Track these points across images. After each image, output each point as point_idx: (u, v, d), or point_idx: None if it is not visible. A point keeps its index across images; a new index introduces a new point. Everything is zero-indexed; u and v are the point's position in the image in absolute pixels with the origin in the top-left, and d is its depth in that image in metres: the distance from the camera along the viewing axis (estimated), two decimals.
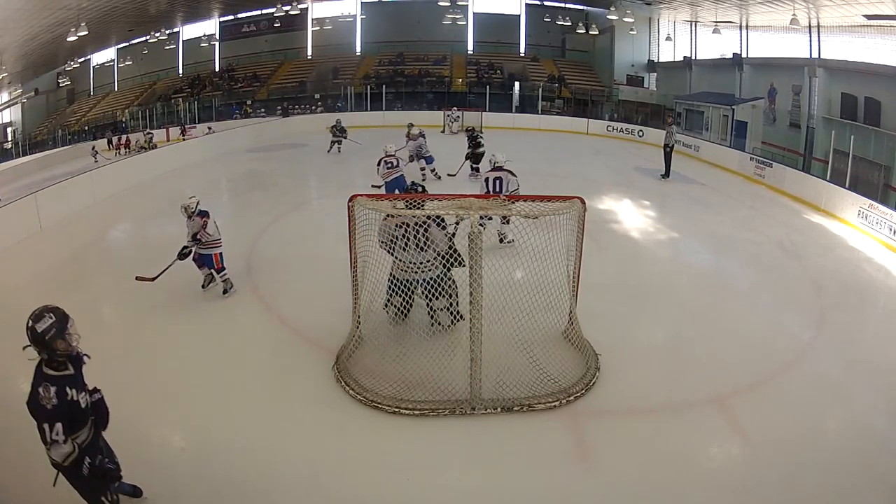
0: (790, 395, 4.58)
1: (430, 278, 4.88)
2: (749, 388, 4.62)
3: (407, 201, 4.51)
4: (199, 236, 6.11)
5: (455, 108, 18.98)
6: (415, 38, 23.99)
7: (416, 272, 4.84)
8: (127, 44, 22.35)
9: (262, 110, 22.32)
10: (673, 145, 12.43)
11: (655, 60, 21.63)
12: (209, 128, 20.11)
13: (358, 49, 24.78)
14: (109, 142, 19.10)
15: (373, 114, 20.79)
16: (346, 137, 14.52)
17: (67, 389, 2.99)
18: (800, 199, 10.73)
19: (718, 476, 3.79)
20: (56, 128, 21.01)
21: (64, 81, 21.20)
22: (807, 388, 4.67)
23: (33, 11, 14.92)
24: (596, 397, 4.43)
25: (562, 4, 23.25)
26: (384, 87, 21.68)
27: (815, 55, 14.36)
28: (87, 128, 21.55)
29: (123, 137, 19.17)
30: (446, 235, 4.90)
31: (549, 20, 23.33)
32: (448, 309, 5.08)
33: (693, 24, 19.50)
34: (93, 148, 17.60)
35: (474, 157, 11.33)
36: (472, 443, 3.97)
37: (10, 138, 19.94)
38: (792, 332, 5.67)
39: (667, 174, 12.30)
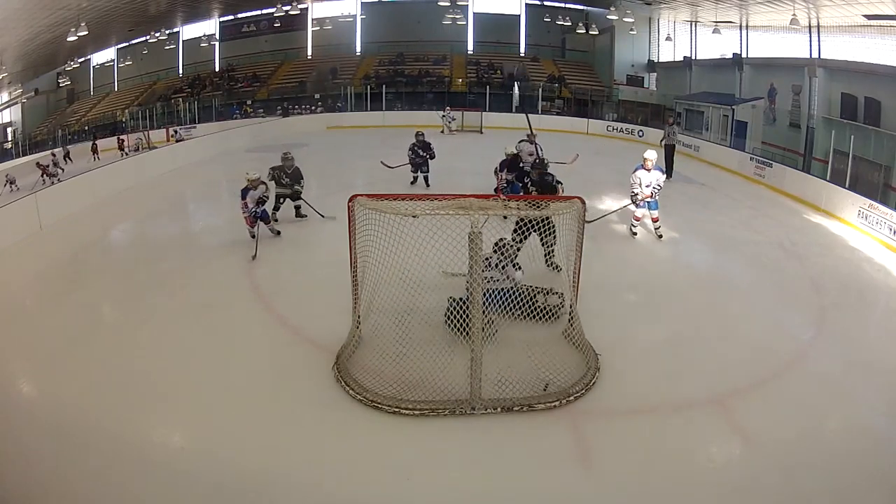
0: (790, 395, 4.58)
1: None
2: (749, 388, 4.62)
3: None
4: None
5: (449, 108, 18.87)
6: (415, 38, 23.97)
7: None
8: (127, 44, 22.31)
9: (262, 110, 22.31)
10: (674, 145, 12.39)
11: (655, 60, 21.63)
12: (175, 131, 19.13)
13: (358, 49, 24.76)
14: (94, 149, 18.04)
15: (373, 114, 20.79)
16: (297, 193, 8.53)
17: None
18: (800, 199, 10.72)
19: (718, 476, 3.79)
20: (56, 128, 20.99)
21: (64, 81, 21.19)
22: (807, 388, 4.67)
23: (33, 11, 14.90)
24: (596, 397, 4.43)
25: (562, 4, 23.22)
26: (384, 87, 21.67)
27: (815, 55, 14.36)
28: (87, 128, 21.53)
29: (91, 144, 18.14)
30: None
31: (549, 20, 23.31)
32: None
33: (693, 24, 19.50)
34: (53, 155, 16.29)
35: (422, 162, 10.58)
36: (472, 443, 3.97)
37: (10, 138, 19.92)
38: (792, 332, 5.68)
39: (668, 174, 12.27)
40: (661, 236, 8.05)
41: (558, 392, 4.37)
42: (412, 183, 10.64)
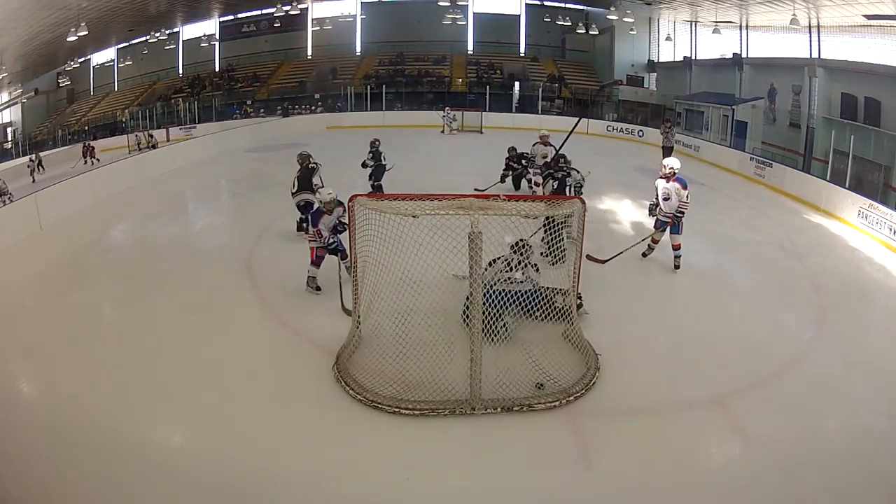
0: (790, 395, 4.58)
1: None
2: (749, 388, 4.62)
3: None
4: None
5: (449, 108, 18.87)
6: (415, 38, 23.96)
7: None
8: (127, 44, 22.29)
9: (262, 110, 22.32)
10: (671, 147, 12.22)
11: (655, 60, 21.63)
12: (149, 135, 17.67)
13: (358, 49, 24.76)
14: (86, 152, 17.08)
15: (373, 114, 20.80)
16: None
17: None
18: (800, 199, 10.73)
19: (718, 476, 3.79)
20: (56, 128, 20.98)
21: (64, 81, 21.16)
22: (807, 388, 4.67)
23: (33, 11, 14.90)
24: (596, 397, 4.44)
25: (562, 4, 23.22)
26: (384, 87, 21.67)
27: (815, 55, 14.36)
28: (87, 128, 21.54)
29: (86, 145, 17.26)
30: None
31: (549, 20, 23.30)
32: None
33: (693, 24, 19.49)
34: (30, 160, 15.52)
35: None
36: (472, 443, 3.97)
37: (10, 138, 19.91)
38: (792, 332, 5.68)
39: None
40: (678, 267, 6.95)
41: (558, 392, 4.37)
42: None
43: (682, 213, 6.78)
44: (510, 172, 10.54)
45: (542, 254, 5.45)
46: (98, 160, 16.57)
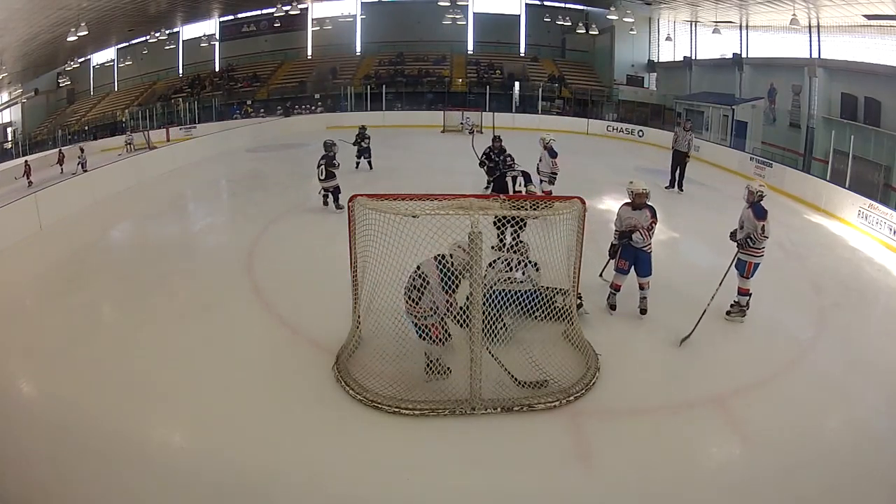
0: (790, 395, 4.58)
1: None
2: (749, 388, 4.63)
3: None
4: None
5: (466, 112, 18.98)
6: (415, 38, 23.97)
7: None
8: (127, 44, 22.31)
9: (262, 110, 22.32)
10: (685, 153, 11.15)
11: (655, 60, 21.62)
12: (80, 150, 16.20)
13: (358, 49, 24.77)
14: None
15: (373, 114, 20.79)
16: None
17: None
18: (800, 199, 10.72)
19: (718, 476, 3.79)
20: (56, 128, 20.99)
21: (64, 81, 21.17)
22: (807, 388, 4.68)
23: (33, 11, 14.90)
24: (596, 397, 4.44)
25: (562, 4, 23.22)
26: (384, 87, 21.67)
27: (815, 55, 14.37)
28: (86, 128, 21.55)
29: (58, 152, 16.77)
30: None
31: (549, 20, 23.31)
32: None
33: (693, 24, 19.50)
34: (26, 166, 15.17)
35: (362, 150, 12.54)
36: (472, 443, 3.97)
37: (10, 138, 19.91)
38: (792, 332, 5.67)
39: (671, 185, 11.29)
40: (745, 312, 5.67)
41: (558, 392, 4.37)
42: (357, 167, 12.34)
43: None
44: (486, 163, 10.22)
45: (534, 265, 5.47)
46: (62, 171, 16.04)
